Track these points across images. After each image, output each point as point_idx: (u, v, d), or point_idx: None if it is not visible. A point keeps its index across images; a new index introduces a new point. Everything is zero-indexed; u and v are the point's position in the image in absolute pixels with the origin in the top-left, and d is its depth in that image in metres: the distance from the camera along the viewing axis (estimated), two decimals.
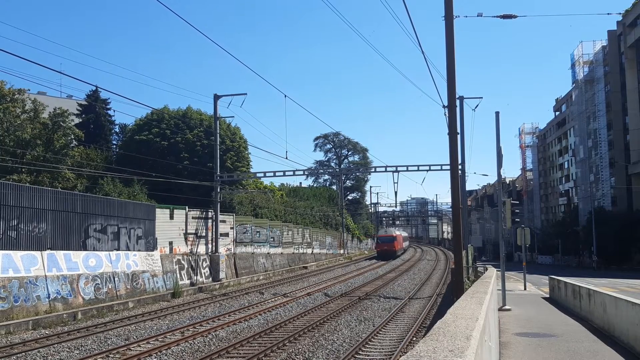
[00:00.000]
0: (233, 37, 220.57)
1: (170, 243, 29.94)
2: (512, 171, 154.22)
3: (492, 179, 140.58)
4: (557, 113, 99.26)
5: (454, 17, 18.28)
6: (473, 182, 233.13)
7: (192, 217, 32.18)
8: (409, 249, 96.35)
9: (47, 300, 19.51)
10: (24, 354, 14.01)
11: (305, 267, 47.96)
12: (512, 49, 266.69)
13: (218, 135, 35.42)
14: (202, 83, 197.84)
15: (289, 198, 63.39)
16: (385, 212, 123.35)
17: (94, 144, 45.35)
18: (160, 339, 15.90)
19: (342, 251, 70.62)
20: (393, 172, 35.58)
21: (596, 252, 62.53)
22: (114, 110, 56.32)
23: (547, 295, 25.15)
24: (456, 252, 19.37)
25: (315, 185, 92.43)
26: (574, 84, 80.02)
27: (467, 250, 32.74)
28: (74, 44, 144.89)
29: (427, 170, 34.57)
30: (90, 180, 36.95)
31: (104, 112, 53.43)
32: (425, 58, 22.35)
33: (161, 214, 29.36)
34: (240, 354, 13.98)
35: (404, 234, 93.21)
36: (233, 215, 38.20)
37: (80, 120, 50.62)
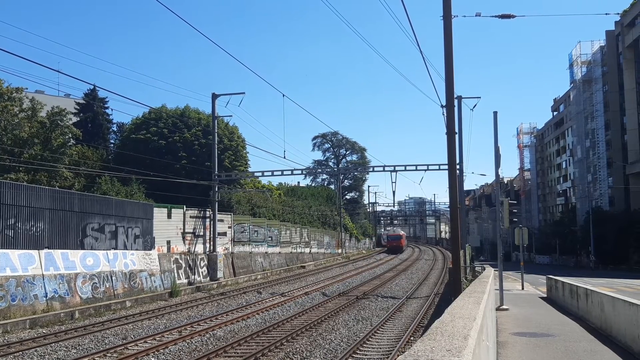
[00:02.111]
0: (232, 36, 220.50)
1: (168, 242, 29.91)
2: (510, 171, 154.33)
3: (490, 178, 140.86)
4: (555, 113, 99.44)
5: (453, 16, 18.30)
6: (471, 182, 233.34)
7: (190, 217, 32.14)
8: (407, 248, 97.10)
9: (44, 299, 19.47)
10: (21, 353, 13.98)
11: (303, 267, 47.95)
12: (510, 49, 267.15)
13: (216, 134, 35.39)
14: (200, 82, 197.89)
15: (287, 197, 63.35)
16: (383, 211, 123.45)
17: (92, 142, 45.28)
18: (157, 338, 15.88)
19: (340, 251, 70.63)
20: (391, 171, 35.65)
21: (594, 252, 62.65)
22: (112, 109, 56.39)
23: (545, 295, 25.18)
24: (454, 251, 19.40)
25: (313, 185, 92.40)
26: (572, 84, 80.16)
27: (465, 250, 32.78)
28: (72, 42, 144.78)
29: (425, 170, 34.62)
30: (87, 179, 36.89)
31: (101, 111, 53.38)
32: (423, 57, 22.36)
33: (159, 213, 29.31)
34: (237, 353, 13.97)
35: (405, 233, 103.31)
36: (231, 214, 38.17)
37: (78, 119, 50.58)
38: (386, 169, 36.24)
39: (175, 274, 28.39)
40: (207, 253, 32.71)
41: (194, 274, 30.45)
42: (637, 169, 63.00)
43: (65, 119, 35.57)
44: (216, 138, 35.28)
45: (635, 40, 63.40)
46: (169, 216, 30.37)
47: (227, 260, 35.18)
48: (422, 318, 19.31)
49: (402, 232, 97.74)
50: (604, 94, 71.23)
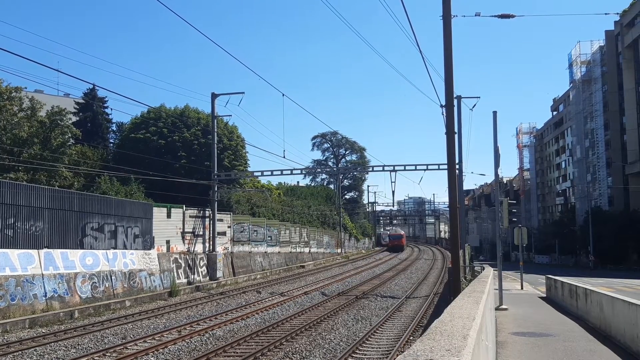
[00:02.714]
0: (231, 35, 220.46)
1: (168, 242, 29.91)
2: (509, 171, 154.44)
3: (490, 178, 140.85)
4: (555, 113, 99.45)
5: (452, 16, 18.28)
6: (470, 182, 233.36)
7: (190, 216, 32.14)
8: (407, 247, 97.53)
9: (43, 298, 19.47)
10: (20, 352, 13.98)
11: (303, 266, 47.95)
12: (510, 49, 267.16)
13: (216, 134, 35.37)
14: (200, 82, 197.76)
15: (286, 197, 63.35)
16: (382, 211, 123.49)
17: (91, 142, 45.25)
18: (157, 338, 15.89)
19: (339, 250, 70.64)
20: (390, 171, 35.66)
21: (593, 252, 62.70)
22: (112, 109, 56.40)
23: (544, 295, 25.21)
24: (453, 251, 19.40)
25: (312, 185, 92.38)
26: (572, 84, 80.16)
27: (464, 249, 32.78)
28: (72, 42, 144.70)
29: (424, 170, 34.64)
30: (87, 179, 36.88)
31: (101, 111, 53.36)
32: (423, 57, 22.29)
33: (158, 213, 29.31)
34: (237, 353, 13.98)
35: (404, 233, 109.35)
36: (230, 214, 38.17)
37: (78, 118, 50.58)
38: (385, 168, 36.26)
39: (175, 274, 28.39)
40: (207, 253, 32.71)
41: (194, 274, 30.45)
42: (636, 168, 63.03)
43: (65, 118, 35.55)
44: (216, 138, 35.26)
45: (635, 41, 63.42)
46: (169, 216, 30.37)
47: (227, 260, 35.18)
48: (422, 318, 19.33)
49: (402, 232, 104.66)
50: (603, 94, 71.24)
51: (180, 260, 29.42)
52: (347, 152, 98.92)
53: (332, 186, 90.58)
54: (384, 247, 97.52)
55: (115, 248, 25.03)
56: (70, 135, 37.48)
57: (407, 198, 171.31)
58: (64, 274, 20.78)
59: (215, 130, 35.32)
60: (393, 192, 41.05)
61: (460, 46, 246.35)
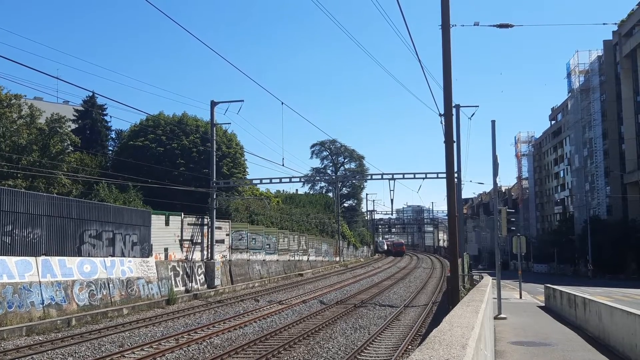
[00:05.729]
0: (230, 43, 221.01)
1: (166, 249, 29.84)
2: (508, 179, 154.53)
3: (488, 187, 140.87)
4: (553, 122, 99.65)
5: (451, 25, 18.36)
6: (469, 190, 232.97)
7: (188, 224, 32.10)
8: (406, 256, 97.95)
9: (41, 306, 19.40)
10: None
11: (301, 275, 47.86)
12: (508, 58, 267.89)
13: (215, 141, 35.39)
14: (198, 89, 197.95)
15: (285, 205, 63.34)
16: (381, 219, 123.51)
17: (90, 149, 45.27)
18: (154, 346, 15.82)
19: (338, 258, 70.53)
20: (389, 179, 35.70)
21: (591, 261, 62.66)
22: (111, 116, 56.44)
23: (543, 304, 25.17)
24: (452, 260, 19.37)
25: (311, 192, 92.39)
26: (570, 93, 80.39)
27: (463, 258, 32.74)
28: (71, 49, 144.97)
29: (423, 178, 34.68)
30: (86, 186, 36.87)
31: (100, 118, 53.42)
32: (421, 66, 22.42)
33: (157, 220, 29.27)
34: None
35: (404, 241, 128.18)
36: (229, 221, 38.12)
37: (77, 125, 50.66)
38: (384, 177, 36.30)
39: (173, 282, 28.31)
40: (205, 260, 32.63)
41: (192, 282, 30.37)
42: (634, 178, 63.13)
43: (64, 126, 35.60)
44: (215, 145, 35.27)
45: (633, 50, 63.69)
46: (167, 223, 30.32)
47: (225, 268, 35.10)
48: (420, 327, 19.27)
49: (402, 241, 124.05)
50: (601, 103, 71.44)
51: (178, 268, 29.35)
52: (345, 160, 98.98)
53: (330, 194, 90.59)
54: (382, 253, 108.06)
55: (113, 255, 24.97)
56: (69, 142, 37.54)
57: (405, 206, 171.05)
58: (61, 281, 20.72)
59: (214, 137, 35.34)
60: (392, 200, 41.22)
61: (459, 55, 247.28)
